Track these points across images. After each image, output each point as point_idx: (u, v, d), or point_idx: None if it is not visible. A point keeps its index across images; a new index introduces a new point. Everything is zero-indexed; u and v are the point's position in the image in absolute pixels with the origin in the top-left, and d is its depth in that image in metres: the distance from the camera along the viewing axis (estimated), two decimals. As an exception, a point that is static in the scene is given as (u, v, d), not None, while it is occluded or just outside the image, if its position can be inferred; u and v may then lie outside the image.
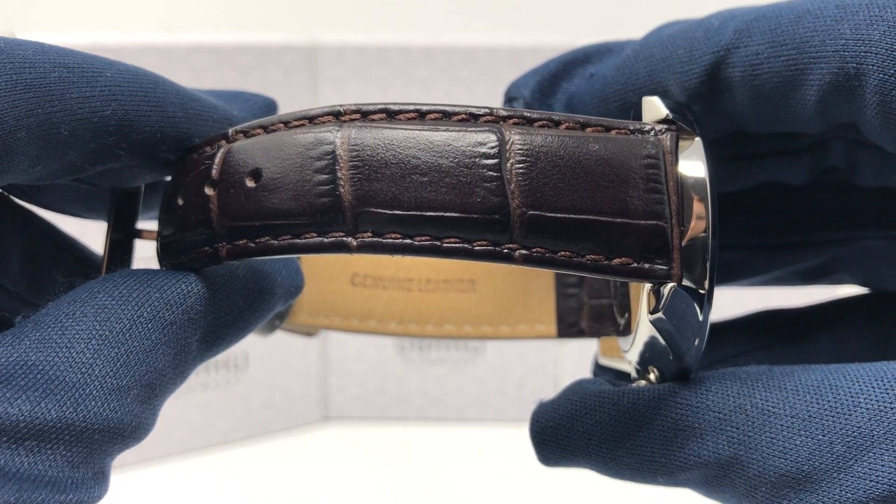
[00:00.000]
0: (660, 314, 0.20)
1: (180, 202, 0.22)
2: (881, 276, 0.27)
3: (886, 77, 0.21)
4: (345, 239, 0.20)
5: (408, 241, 0.20)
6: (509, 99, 0.26)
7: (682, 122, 0.22)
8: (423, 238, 0.20)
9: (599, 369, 0.29)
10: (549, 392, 0.57)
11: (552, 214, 0.20)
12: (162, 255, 0.23)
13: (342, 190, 0.20)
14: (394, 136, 0.20)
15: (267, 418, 0.57)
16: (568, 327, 0.30)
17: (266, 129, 0.22)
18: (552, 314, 0.30)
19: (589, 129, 0.21)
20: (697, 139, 0.21)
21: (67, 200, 0.25)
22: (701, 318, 0.21)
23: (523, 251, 0.20)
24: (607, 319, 0.29)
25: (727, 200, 0.27)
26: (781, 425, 0.20)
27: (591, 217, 0.20)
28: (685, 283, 0.20)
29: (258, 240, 0.21)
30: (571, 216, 0.20)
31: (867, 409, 0.20)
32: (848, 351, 0.27)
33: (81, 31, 0.52)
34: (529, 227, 0.20)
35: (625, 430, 0.22)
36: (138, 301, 0.20)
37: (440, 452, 0.56)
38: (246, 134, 0.22)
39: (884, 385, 0.20)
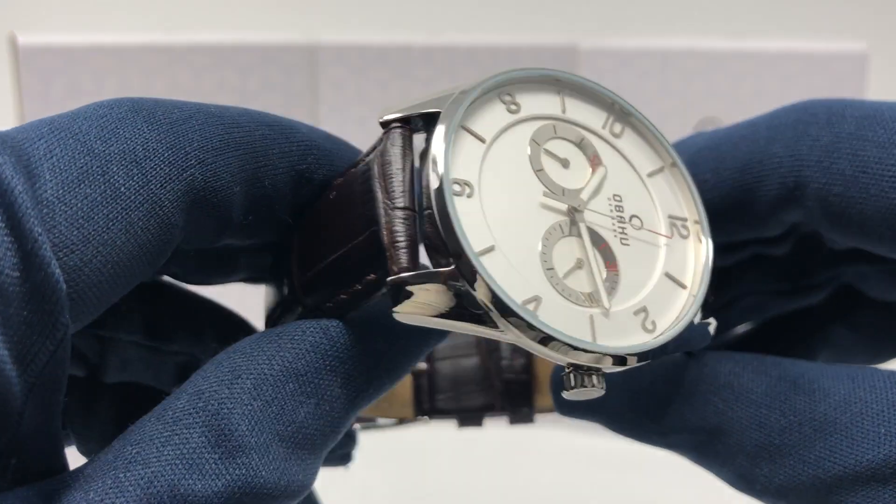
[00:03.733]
0: (396, 311, 0.21)
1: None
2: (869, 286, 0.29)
3: (821, 186, 0.24)
4: None
5: None
6: None
7: (422, 119, 0.22)
8: None
9: None
10: (549, 392, 0.57)
11: (311, 273, 0.23)
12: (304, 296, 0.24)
13: None
14: None
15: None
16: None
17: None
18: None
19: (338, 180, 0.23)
20: (440, 126, 0.22)
21: (228, 270, 0.26)
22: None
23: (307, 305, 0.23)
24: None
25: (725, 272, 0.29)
26: (761, 403, 0.23)
27: (332, 257, 0.22)
28: (393, 278, 0.21)
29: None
30: (321, 265, 0.22)
31: (835, 400, 0.23)
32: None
33: (81, 31, 0.52)
34: (305, 288, 0.23)
35: (630, 390, 0.25)
36: (269, 355, 0.20)
37: (440, 452, 0.56)
38: None
39: (854, 383, 0.23)
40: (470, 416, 0.32)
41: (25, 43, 0.47)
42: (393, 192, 0.21)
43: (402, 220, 0.21)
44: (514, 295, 0.21)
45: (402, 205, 0.21)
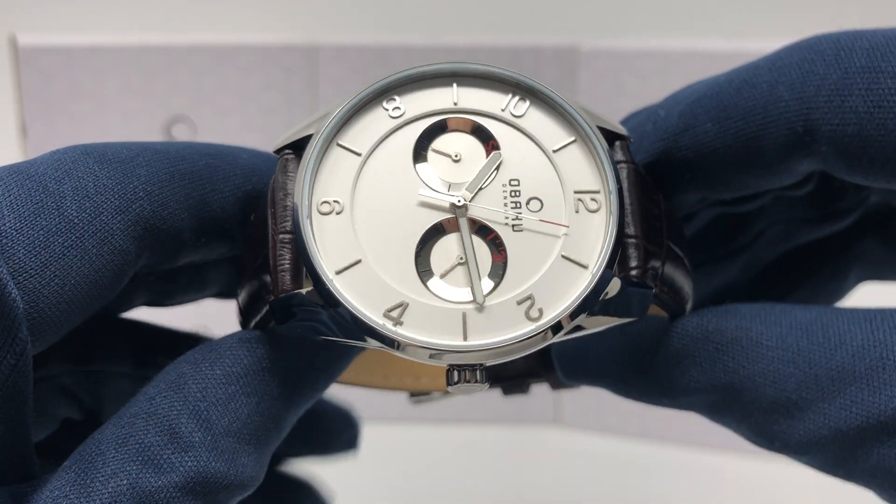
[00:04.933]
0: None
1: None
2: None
3: (833, 128, 0.22)
4: None
5: None
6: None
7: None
8: None
9: None
10: (549, 392, 0.57)
11: (243, 285, 0.25)
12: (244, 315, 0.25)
13: None
14: None
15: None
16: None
17: None
18: None
19: None
20: (307, 149, 0.23)
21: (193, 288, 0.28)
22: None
23: None
24: None
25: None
26: (773, 357, 0.22)
27: (248, 275, 0.24)
28: (272, 300, 0.23)
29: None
30: (245, 280, 0.25)
31: (851, 347, 0.22)
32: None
33: (82, 31, 0.52)
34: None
35: (634, 354, 0.24)
36: (211, 361, 0.22)
37: (440, 452, 0.56)
38: None
39: (870, 327, 0.22)
40: (515, 385, 0.33)
41: (26, 43, 0.47)
42: (278, 217, 0.23)
43: (284, 244, 0.22)
44: (375, 306, 0.21)
45: (284, 229, 0.22)
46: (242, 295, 0.25)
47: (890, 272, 0.28)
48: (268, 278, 0.23)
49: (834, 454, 0.22)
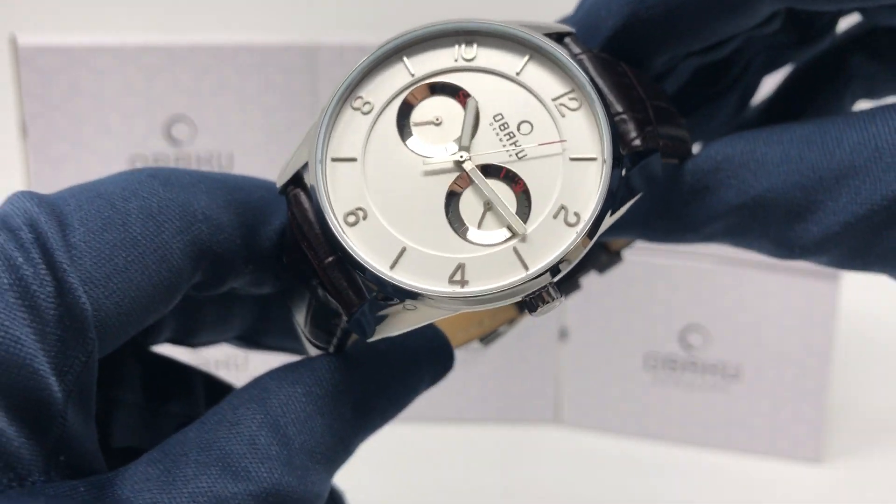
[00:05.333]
0: None
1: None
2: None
3: None
4: None
5: None
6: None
7: None
8: None
9: None
10: (549, 392, 0.57)
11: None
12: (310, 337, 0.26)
13: None
14: None
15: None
16: None
17: None
18: None
19: None
20: (307, 176, 0.24)
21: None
22: None
23: None
24: None
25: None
26: (780, 171, 0.24)
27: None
28: (348, 320, 0.24)
29: None
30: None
31: (849, 144, 0.23)
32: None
33: (82, 31, 0.52)
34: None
35: (655, 202, 0.26)
36: (293, 380, 0.24)
37: (439, 451, 0.56)
38: None
39: (864, 125, 0.23)
40: (572, 284, 0.35)
41: (26, 43, 0.48)
42: (316, 248, 0.23)
43: (332, 267, 0.23)
44: (439, 279, 0.23)
45: (326, 258, 0.23)
46: (308, 329, 0.26)
47: (882, 88, 0.29)
48: (332, 303, 0.24)
49: (849, 247, 0.23)
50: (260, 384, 0.24)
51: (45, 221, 0.21)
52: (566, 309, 0.56)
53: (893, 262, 0.24)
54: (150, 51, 0.50)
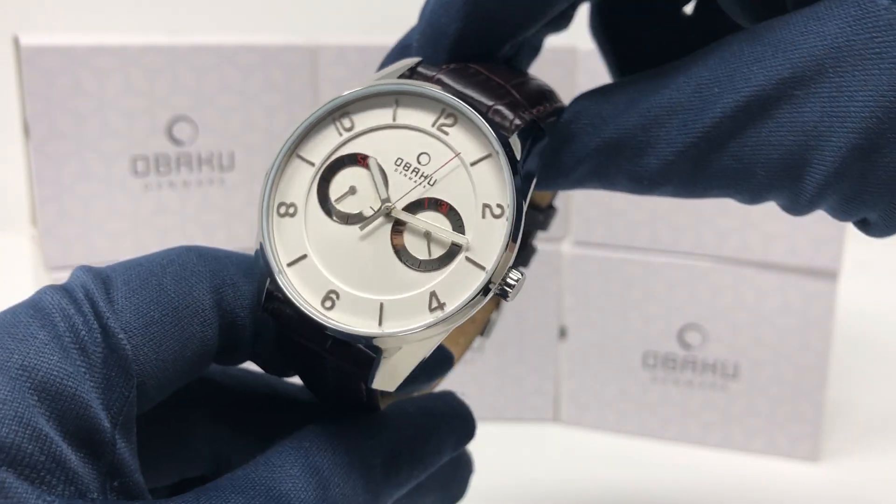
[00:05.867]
0: None
1: None
2: None
3: None
4: None
5: None
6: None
7: None
8: None
9: None
10: (548, 390, 0.57)
11: None
12: None
13: None
14: None
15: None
16: None
17: None
18: None
19: None
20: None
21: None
22: None
23: None
24: None
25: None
26: (623, 115, 0.27)
27: None
28: None
29: None
30: None
31: (675, 84, 0.26)
32: None
33: (82, 31, 0.52)
34: None
35: (541, 153, 0.28)
36: (334, 432, 0.26)
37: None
38: None
39: (689, 66, 0.26)
40: (524, 255, 0.37)
41: (28, 43, 0.48)
42: (315, 340, 0.26)
43: (335, 349, 0.26)
44: (417, 319, 0.25)
45: (325, 343, 0.26)
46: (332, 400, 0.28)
47: None
48: (347, 372, 0.26)
49: (685, 173, 0.26)
50: (303, 435, 0.26)
51: (93, 282, 0.25)
52: (565, 308, 0.56)
53: (723, 183, 0.26)
54: (152, 51, 0.50)
